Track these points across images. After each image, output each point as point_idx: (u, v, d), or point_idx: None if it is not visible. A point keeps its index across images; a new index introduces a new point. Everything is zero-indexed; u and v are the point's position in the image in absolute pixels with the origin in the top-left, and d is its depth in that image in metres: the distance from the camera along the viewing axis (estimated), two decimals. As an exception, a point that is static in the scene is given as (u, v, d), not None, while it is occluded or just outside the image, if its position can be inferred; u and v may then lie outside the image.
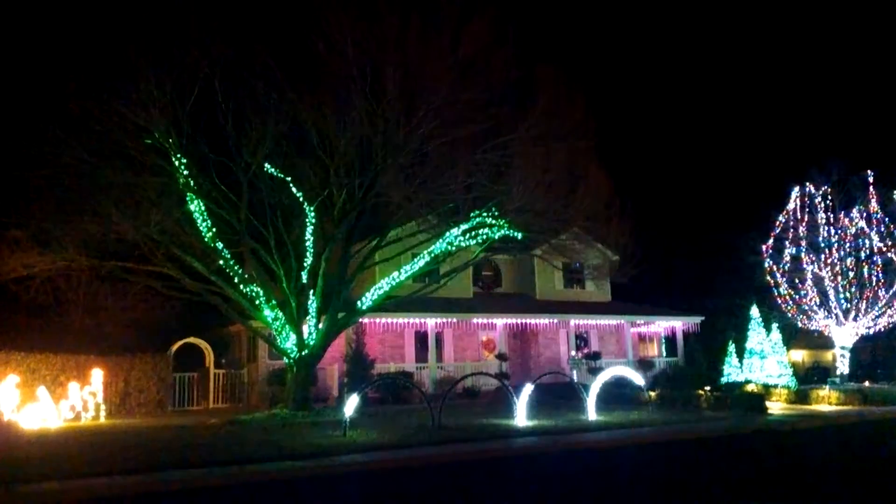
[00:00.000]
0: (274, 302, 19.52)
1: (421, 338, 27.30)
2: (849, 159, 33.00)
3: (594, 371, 25.75)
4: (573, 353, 29.69)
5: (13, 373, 18.87)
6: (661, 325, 31.65)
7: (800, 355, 40.71)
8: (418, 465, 11.45)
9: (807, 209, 27.79)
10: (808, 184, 27.88)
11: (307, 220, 19.61)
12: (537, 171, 19.64)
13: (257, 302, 19.28)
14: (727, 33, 70.17)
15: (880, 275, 26.76)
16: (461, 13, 18.14)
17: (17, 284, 20.31)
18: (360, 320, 22.65)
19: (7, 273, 18.53)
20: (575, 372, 26.87)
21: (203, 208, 18.86)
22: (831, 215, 27.50)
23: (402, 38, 17.99)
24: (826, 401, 20.72)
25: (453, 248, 20.88)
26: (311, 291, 19.87)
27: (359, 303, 20.63)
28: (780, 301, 27.94)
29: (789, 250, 27.72)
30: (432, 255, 20.64)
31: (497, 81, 18.83)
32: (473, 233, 20.71)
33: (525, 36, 19.06)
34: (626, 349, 30.18)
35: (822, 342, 33.72)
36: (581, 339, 31.11)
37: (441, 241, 20.52)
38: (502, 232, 20.62)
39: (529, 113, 19.44)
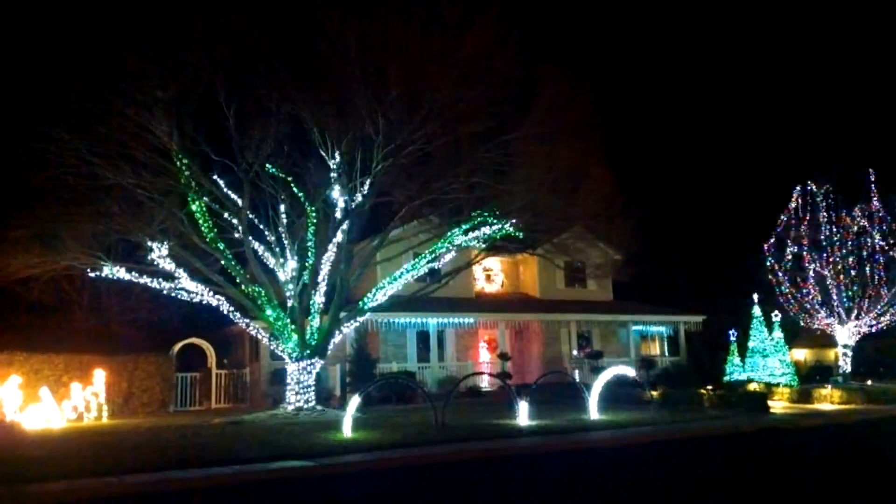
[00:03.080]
0: (276, 302, 19.53)
1: (423, 337, 27.30)
2: (851, 158, 32.91)
3: (596, 370, 25.71)
4: (575, 352, 29.67)
5: (16, 373, 18.86)
6: (664, 324, 31.63)
7: (802, 354, 40.60)
8: (421, 464, 11.44)
9: (808, 207, 27.77)
10: (810, 182, 27.85)
11: (309, 219, 19.62)
12: (540, 169, 19.64)
13: (259, 302, 19.30)
14: (732, 32, 70.13)
15: (882, 273, 26.73)
16: (464, 12, 18.11)
17: (21, 285, 20.33)
18: (363, 320, 22.65)
19: (10, 274, 18.55)
20: (577, 371, 26.85)
21: (205, 209, 18.91)
22: (833, 214, 27.48)
23: (405, 37, 17.98)
24: (828, 399, 20.68)
25: (455, 248, 20.86)
26: (313, 291, 19.88)
27: (361, 302, 20.64)
28: (781, 300, 27.89)
29: (791, 249, 27.69)
30: (434, 254, 20.63)
31: (499, 80, 18.82)
32: (475, 232, 20.70)
33: (528, 34, 19.00)
34: (629, 348, 30.15)
35: (824, 341, 33.65)
36: (583, 338, 31.06)
37: (443, 240, 20.51)
38: (504, 231, 20.60)
39: (532, 111, 19.44)
